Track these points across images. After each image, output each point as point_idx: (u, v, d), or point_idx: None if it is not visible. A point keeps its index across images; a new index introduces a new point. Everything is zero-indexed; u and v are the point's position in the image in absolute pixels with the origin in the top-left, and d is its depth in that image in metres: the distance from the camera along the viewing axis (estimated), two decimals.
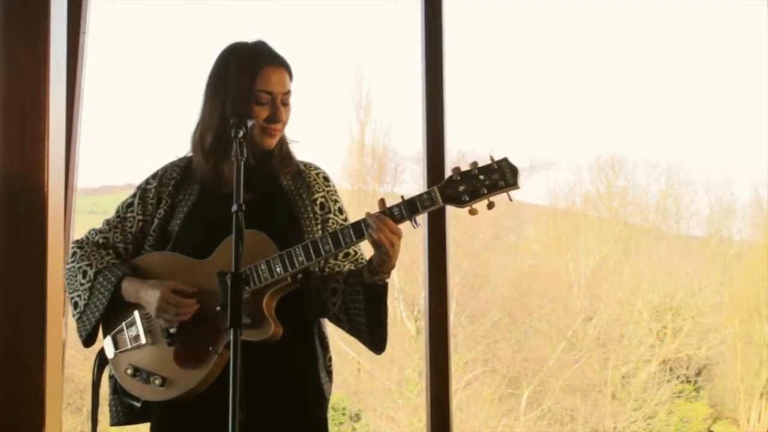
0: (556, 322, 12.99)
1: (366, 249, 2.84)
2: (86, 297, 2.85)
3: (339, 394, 11.86)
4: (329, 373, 2.93)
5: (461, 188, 2.60)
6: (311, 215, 2.88)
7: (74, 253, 2.93)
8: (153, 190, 2.92)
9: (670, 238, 13.85)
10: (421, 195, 2.64)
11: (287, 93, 2.81)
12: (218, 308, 2.67)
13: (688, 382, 12.87)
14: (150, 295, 2.75)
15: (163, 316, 2.73)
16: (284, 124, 2.83)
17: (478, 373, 12.47)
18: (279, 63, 2.81)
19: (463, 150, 11.86)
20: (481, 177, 2.59)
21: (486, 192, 2.58)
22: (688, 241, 13.89)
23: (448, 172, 4.07)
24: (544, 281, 13.53)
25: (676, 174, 13.54)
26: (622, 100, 13.50)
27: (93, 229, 2.98)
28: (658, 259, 13.35)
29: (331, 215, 2.91)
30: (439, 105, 4.17)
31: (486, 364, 12.62)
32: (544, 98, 13.43)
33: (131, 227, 2.92)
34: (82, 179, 4.28)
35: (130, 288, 2.81)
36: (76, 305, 2.89)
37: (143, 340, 2.82)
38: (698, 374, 12.94)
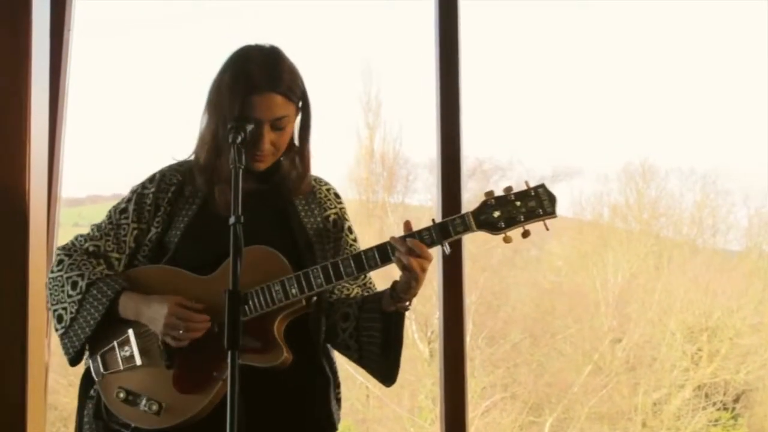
0: (581, 343, 12.97)
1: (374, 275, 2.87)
2: (74, 310, 2.83)
3: (346, 422, 11.84)
4: (338, 401, 2.94)
5: (496, 214, 2.65)
6: (324, 233, 2.90)
7: (61, 261, 2.90)
8: (151, 196, 2.91)
9: (705, 253, 13.80)
10: (453, 219, 2.67)
11: (280, 118, 2.79)
12: (216, 329, 2.69)
13: (726, 409, 12.82)
14: (155, 311, 2.73)
15: (172, 333, 2.71)
16: (276, 148, 2.83)
17: (496, 399, 12.45)
18: (270, 88, 2.77)
19: (481, 157, 11.91)
20: (518, 203, 2.65)
21: (523, 219, 2.66)
22: (725, 255, 13.84)
23: (464, 181, 4.09)
24: (568, 300, 13.50)
25: (713, 183, 13.50)
26: (653, 102, 13.47)
27: (81, 236, 2.96)
28: (692, 276, 13.31)
29: (343, 234, 2.93)
30: (454, 108, 4.17)
31: (505, 389, 12.60)
32: (569, 101, 13.41)
33: (125, 236, 2.91)
34: (67, 189, 4.28)
35: (129, 303, 2.79)
36: (60, 318, 2.86)
37: (138, 361, 2.81)
38: (736, 401, 12.90)
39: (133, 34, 13.90)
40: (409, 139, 13.14)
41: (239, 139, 2.58)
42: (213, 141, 2.82)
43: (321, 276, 2.67)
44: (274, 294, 2.67)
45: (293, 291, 2.67)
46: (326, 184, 3.01)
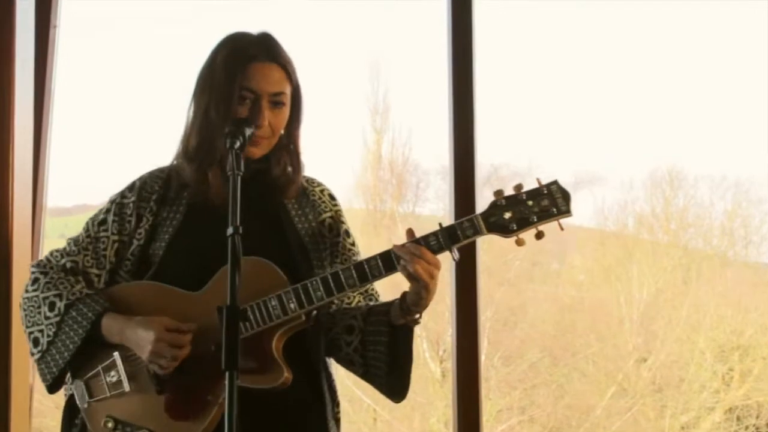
0: (604, 363, 12.95)
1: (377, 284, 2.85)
2: (51, 333, 2.79)
3: None
4: (337, 421, 2.93)
5: (507, 215, 2.62)
6: (319, 239, 2.87)
7: (36, 280, 2.86)
8: (131, 205, 2.88)
9: (737, 266, 13.78)
10: (462, 222, 2.64)
11: (279, 94, 2.78)
12: (213, 348, 2.66)
13: None
14: (140, 336, 2.69)
15: (159, 362, 2.68)
16: (273, 131, 2.80)
17: (513, 422, 12.43)
18: (269, 59, 2.78)
19: (496, 164, 11.87)
20: (530, 203, 2.62)
21: (536, 220, 2.62)
22: (758, 269, 13.81)
23: (478, 189, 4.08)
24: (590, 316, 13.48)
25: (745, 191, 13.47)
26: (682, 105, 13.46)
27: (56, 251, 2.93)
28: (723, 291, 13.28)
29: (340, 239, 2.91)
30: (468, 111, 4.16)
31: (523, 412, 12.59)
32: (591, 102, 13.40)
33: (105, 249, 2.88)
34: (53, 197, 4.28)
35: (113, 326, 2.76)
36: (36, 342, 2.82)
37: (126, 386, 2.78)
38: None
39: (127, 32, 13.92)
40: (419, 144, 13.12)
41: (237, 145, 2.56)
42: (205, 120, 2.79)
43: (321, 288, 2.63)
44: (270, 310, 2.64)
45: (291, 306, 2.64)
46: (319, 184, 2.99)
